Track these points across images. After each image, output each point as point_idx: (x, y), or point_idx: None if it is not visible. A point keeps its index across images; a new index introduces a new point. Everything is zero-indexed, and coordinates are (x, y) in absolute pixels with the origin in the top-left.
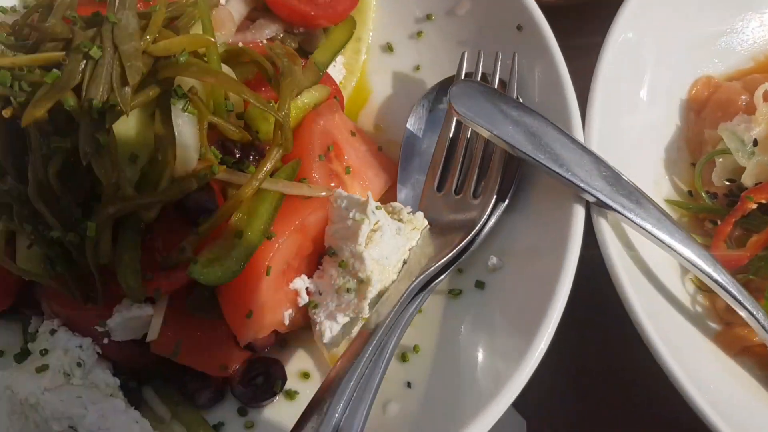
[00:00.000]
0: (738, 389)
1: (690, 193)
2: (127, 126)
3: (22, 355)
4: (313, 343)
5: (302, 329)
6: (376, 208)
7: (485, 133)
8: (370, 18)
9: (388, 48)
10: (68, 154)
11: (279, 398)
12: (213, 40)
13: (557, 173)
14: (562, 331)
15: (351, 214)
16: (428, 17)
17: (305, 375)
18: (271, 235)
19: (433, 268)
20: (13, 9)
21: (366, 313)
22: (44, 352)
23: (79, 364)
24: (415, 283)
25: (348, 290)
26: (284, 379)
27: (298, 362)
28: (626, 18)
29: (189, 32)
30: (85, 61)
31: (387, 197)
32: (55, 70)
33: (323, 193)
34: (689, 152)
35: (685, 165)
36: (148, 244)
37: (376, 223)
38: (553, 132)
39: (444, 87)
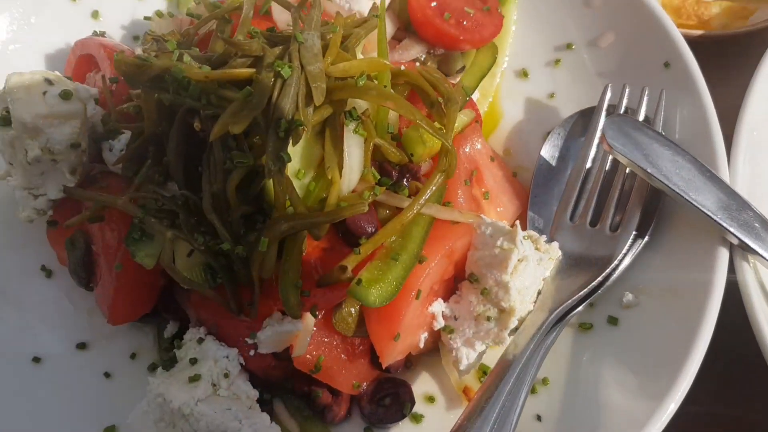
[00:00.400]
0: None
1: None
2: (296, 144)
3: (170, 363)
4: (437, 366)
5: (429, 352)
6: (524, 237)
7: (638, 170)
8: (508, 43)
9: (523, 74)
10: (248, 170)
11: (405, 421)
12: (389, 64)
13: (705, 213)
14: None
15: (498, 242)
16: (568, 46)
17: (430, 399)
18: (422, 258)
19: (569, 301)
20: (169, 14)
21: (506, 342)
22: (194, 361)
23: (225, 375)
24: (552, 316)
25: (488, 318)
26: (413, 402)
27: (422, 385)
28: None
29: (355, 52)
30: (275, 80)
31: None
32: (248, 87)
33: (471, 220)
34: None
35: None
36: (305, 262)
37: (523, 254)
38: (702, 172)
39: (583, 117)
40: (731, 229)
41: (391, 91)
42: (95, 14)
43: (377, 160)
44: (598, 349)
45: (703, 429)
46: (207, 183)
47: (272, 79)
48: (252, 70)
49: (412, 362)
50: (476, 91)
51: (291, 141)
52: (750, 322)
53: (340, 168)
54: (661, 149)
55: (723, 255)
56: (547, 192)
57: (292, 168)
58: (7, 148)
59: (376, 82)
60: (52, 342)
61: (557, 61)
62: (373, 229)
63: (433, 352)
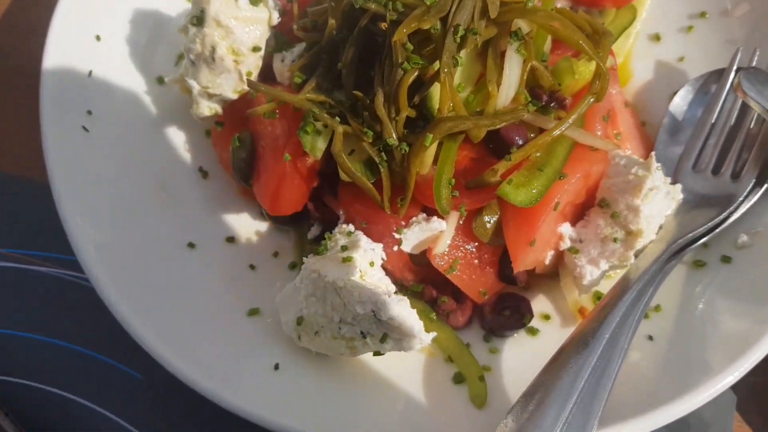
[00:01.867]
0: None
1: None
2: (466, 53)
3: (323, 249)
4: (554, 289)
5: (547, 276)
6: (657, 168)
7: None
8: (644, 7)
9: (656, 38)
10: (419, 75)
11: (521, 332)
12: None
13: None
14: None
15: (633, 170)
16: (702, 14)
17: (546, 317)
18: (563, 175)
19: (687, 236)
20: None
21: (631, 261)
22: (344, 248)
23: (371, 264)
24: (672, 247)
25: (615, 240)
26: (531, 315)
27: (539, 304)
28: None
29: None
30: None
31: None
32: None
33: (609, 147)
34: None
35: None
36: (456, 168)
37: (654, 183)
38: None
39: (712, 77)
40: None
41: (558, 14)
42: None
43: (529, 84)
44: (710, 283)
45: None
46: (379, 84)
47: None
48: None
49: (531, 283)
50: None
51: (466, 47)
52: None
53: (499, 83)
54: None
55: None
56: (672, 144)
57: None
58: (195, 46)
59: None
60: (204, 233)
61: (690, 28)
62: (522, 142)
63: (552, 276)
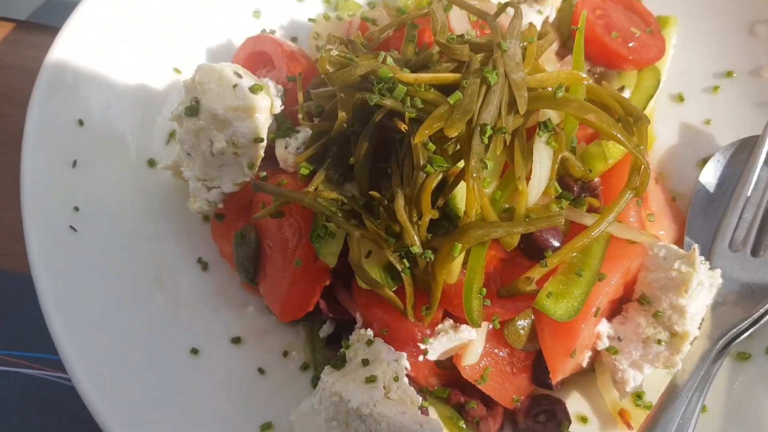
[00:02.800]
0: None
1: None
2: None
3: (341, 362)
4: (588, 386)
5: (580, 373)
6: (702, 261)
7: None
8: (666, 66)
9: (679, 98)
10: (445, 175)
11: None
12: (586, 77)
13: None
14: None
15: (676, 265)
16: (728, 73)
17: (583, 419)
18: (602, 276)
19: (734, 330)
20: (338, 17)
21: (678, 366)
22: (366, 362)
23: (395, 379)
24: (720, 344)
25: (659, 341)
26: (569, 420)
27: (574, 404)
28: None
29: (538, 63)
30: (480, 86)
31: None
32: (458, 92)
33: (651, 240)
34: None
35: None
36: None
37: (700, 278)
38: None
39: (744, 146)
40: None
41: (590, 104)
42: (256, 13)
43: (558, 173)
44: (757, 379)
45: None
46: (399, 185)
47: (479, 86)
48: (458, 75)
49: (566, 381)
50: None
51: (496, 148)
52: None
53: (528, 178)
54: None
55: None
56: (704, 218)
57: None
58: (191, 138)
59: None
60: (207, 335)
61: (715, 88)
62: (559, 244)
63: (587, 372)
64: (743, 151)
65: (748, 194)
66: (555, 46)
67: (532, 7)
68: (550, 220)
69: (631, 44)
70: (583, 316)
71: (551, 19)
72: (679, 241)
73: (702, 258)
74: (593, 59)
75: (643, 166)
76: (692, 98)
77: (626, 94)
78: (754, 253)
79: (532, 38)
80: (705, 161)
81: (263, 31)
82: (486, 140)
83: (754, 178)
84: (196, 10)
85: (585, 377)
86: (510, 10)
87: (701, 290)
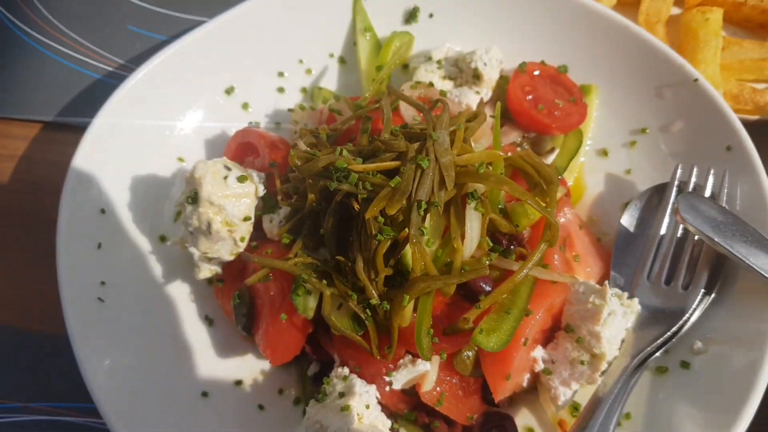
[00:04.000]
0: None
1: None
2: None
3: (323, 396)
4: (535, 403)
5: (527, 391)
6: (613, 295)
7: (705, 238)
8: (590, 127)
9: (604, 153)
10: (392, 240)
11: None
12: (503, 154)
13: (762, 274)
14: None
15: (591, 299)
16: (642, 130)
17: (530, 430)
18: (529, 312)
19: (648, 349)
20: (311, 107)
21: (598, 381)
22: (342, 395)
23: (367, 407)
24: (635, 361)
25: (582, 362)
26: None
27: (523, 418)
28: None
29: (470, 143)
30: (416, 170)
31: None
32: (397, 177)
33: (568, 280)
34: None
35: None
36: (433, 315)
37: (611, 308)
38: (759, 239)
39: (657, 192)
40: None
41: (506, 177)
42: (245, 106)
43: (490, 230)
44: (672, 388)
45: None
46: (358, 250)
47: (414, 170)
48: (398, 163)
49: (514, 399)
50: None
51: (430, 218)
52: None
53: (463, 238)
54: (725, 221)
55: None
56: (626, 255)
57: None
58: (192, 221)
59: (492, 168)
60: (215, 380)
61: (633, 143)
62: (490, 289)
63: (531, 390)
64: (656, 196)
65: (662, 233)
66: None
67: (471, 88)
68: (478, 271)
69: (555, 113)
70: (514, 345)
71: (488, 97)
72: (606, 276)
73: (617, 290)
74: (525, 128)
75: (552, 223)
76: (615, 152)
77: (555, 153)
78: (667, 282)
79: (460, 125)
80: (626, 205)
81: (250, 123)
82: (422, 213)
83: (666, 220)
84: (193, 105)
85: (531, 395)
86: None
87: (614, 318)
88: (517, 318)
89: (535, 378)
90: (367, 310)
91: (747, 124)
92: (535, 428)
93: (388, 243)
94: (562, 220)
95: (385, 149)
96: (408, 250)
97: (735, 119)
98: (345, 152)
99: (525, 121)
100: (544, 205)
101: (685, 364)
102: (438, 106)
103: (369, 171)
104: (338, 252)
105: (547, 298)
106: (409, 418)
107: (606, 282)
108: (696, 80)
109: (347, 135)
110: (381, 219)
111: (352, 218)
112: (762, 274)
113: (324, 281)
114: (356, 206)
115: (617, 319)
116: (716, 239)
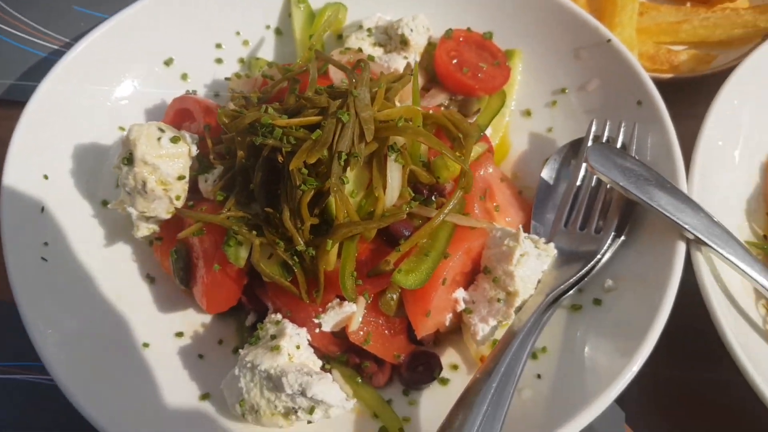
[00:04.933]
0: None
1: (765, 237)
2: (352, 171)
3: (256, 340)
4: (459, 342)
5: (453, 332)
6: (525, 238)
7: (615, 186)
8: (515, 89)
9: (527, 113)
10: (316, 190)
11: (435, 384)
12: (420, 109)
13: (665, 215)
14: (661, 344)
15: (506, 242)
16: (562, 90)
17: (455, 367)
18: (447, 255)
19: (562, 286)
20: (246, 75)
21: (512, 318)
22: (274, 337)
23: (297, 347)
24: (549, 297)
25: (498, 300)
26: (441, 368)
27: (449, 357)
28: (727, 93)
29: (394, 101)
30: (336, 124)
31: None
32: (318, 130)
33: (485, 225)
34: (765, 204)
35: (762, 214)
36: (357, 259)
37: (525, 251)
38: (663, 184)
39: (574, 146)
40: (687, 227)
41: (423, 129)
42: (184, 76)
43: (412, 181)
44: (586, 324)
45: (662, 388)
46: (285, 202)
47: (335, 124)
48: (320, 118)
49: (440, 340)
50: (489, 128)
51: (348, 168)
52: (703, 299)
53: (384, 188)
54: (633, 169)
55: (681, 247)
56: (546, 205)
57: (347, 189)
58: (129, 181)
59: (411, 123)
60: (156, 332)
61: (554, 102)
62: (410, 233)
63: (456, 331)
64: (573, 149)
65: (578, 184)
66: (421, 81)
67: (399, 54)
68: (396, 216)
69: (479, 75)
70: (433, 285)
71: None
72: (528, 225)
73: (534, 236)
74: (452, 90)
75: (466, 171)
76: (537, 112)
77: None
78: (582, 228)
79: (380, 84)
80: (547, 161)
81: (187, 91)
82: (342, 163)
83: (581, 172)
84: (133, 76)
85: (456, 336)
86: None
87: (528, 259)
88: (435, 260)
89: (459, 318)
90: (295, 257)
91: (662, 83)
92: (459, 364)
93: (312, 193)
94: (483, 173)
95: (309, 106)
96: (332, 199)
97: (645, 76)
98: (270, 110)
99: (451, 83)
100: (459, 155)
101: (597, 301)
102: (360, 67)
103: (292, 126)
104: (268, 205)
105: (464, 242)
106: (340, 360)
107: (520, 226)
108: (609, 41)
109: (277, 97)
110: (305, 171)
111: (279, 172)
112: (666, 216)
113: (254, 232)
114: (281, 159)
115: (531, 260)
116: (622, 184)
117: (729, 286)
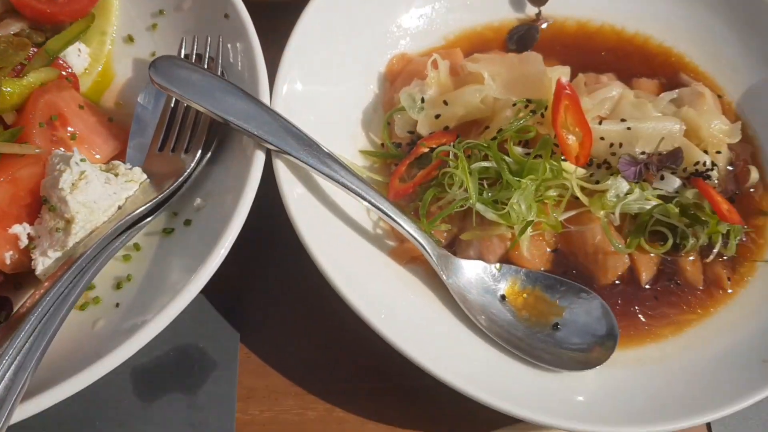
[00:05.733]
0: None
1: (382, 144)
2: None
3: None
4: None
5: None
6: (81, 160)
7: (179, 97)
8: (114, 14)
9: (129, 39)
10: None
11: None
12: None
13: (241, 128)
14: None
15: (58, 166)
16: (161, 12)
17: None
18: None
19: (141, 209)
20: None
21: (69, 246)
22: None
23: None
24: (121, 222)
25: (58, 230)
26: (10, 311)
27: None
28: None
29: None
30: None
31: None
32: None
33: (36, 151)
34: (384, 113)
35: (380, 123)
36: None
37: (82, 173)
38: (241, 96)
39: None
40: (267, 138)
41: None
42: None
43: None
44: (176, 246)
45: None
46: None
47: None
48: None
49: (21, 283)
50: (88, 57)
51: None
52: (282, 201)
53: None
54: (211, 84)
55: (261, 157)
56: (144, 131)
57: None
58: None
59: None
60: None
61: (155, 26)
62: None
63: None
64: None
65: (172, 105)
66: None
67: None
68: None
69: (59, 0)
70: None
71: None
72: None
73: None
74: (31, 19)
75: None
76: (139, 38)
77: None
78: (173, 150)
79: None
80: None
81: None
82: None
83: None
84: None
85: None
86: None
87: (88, 183)
88: None
89: (26, 258)
90: None
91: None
92: None
93: None
94: (50, 99)
95: None
96: None
97: None
98: None
99: (26, 10)
100: None
101: (187, 222)
102: None
103: None
104: None
105: (8, 169)
106: None
107: (74, 149)
108: None
109: None
110: None
111: None
112: (240, 128)
113: None
114: None
115: (95, 185)
116: (188, 96)
117: (310, 189)
